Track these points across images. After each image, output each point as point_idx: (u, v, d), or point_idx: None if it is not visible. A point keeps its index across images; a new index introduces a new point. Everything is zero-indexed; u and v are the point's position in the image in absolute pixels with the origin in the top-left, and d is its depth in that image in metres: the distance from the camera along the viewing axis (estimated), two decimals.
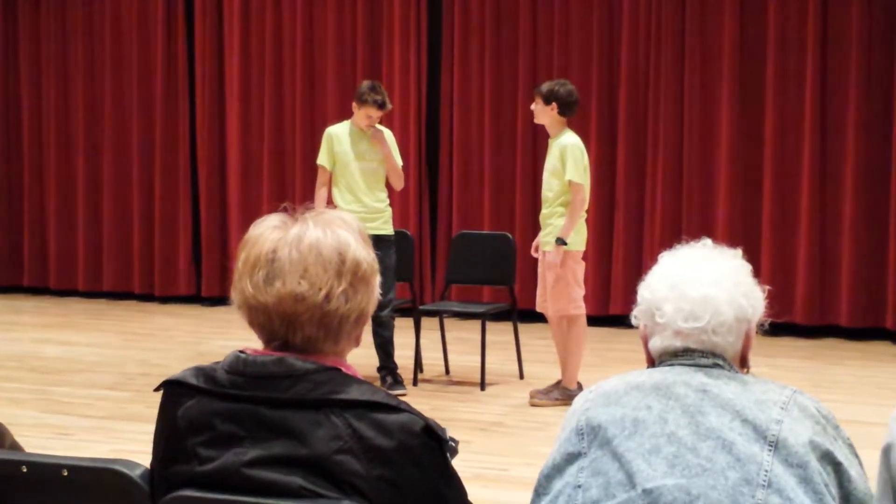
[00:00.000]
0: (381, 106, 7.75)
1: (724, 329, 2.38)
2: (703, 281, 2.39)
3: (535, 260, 7.70)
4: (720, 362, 2.38)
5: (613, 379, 2.44)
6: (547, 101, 7.44)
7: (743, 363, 2.45)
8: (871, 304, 9.90)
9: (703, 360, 2.38)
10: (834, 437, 2.30)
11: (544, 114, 7.48)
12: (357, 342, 2.27)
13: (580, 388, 7.37)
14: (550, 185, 7.48)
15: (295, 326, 2.16)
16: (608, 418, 2.33)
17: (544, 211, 7.54)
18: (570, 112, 7.51)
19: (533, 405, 7.50)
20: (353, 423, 2.07)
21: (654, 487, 2.21)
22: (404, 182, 8.25)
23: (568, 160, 7.35)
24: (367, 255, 2.21)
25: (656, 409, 2.30)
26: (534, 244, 7.68)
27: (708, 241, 2.52)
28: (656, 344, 2.43)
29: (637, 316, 2.48)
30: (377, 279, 2.25)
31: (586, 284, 10.18)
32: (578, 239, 7.48)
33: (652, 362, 2.47)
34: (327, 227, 2.19)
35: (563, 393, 7.47)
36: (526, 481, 2.49)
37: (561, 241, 7.35)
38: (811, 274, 9.98)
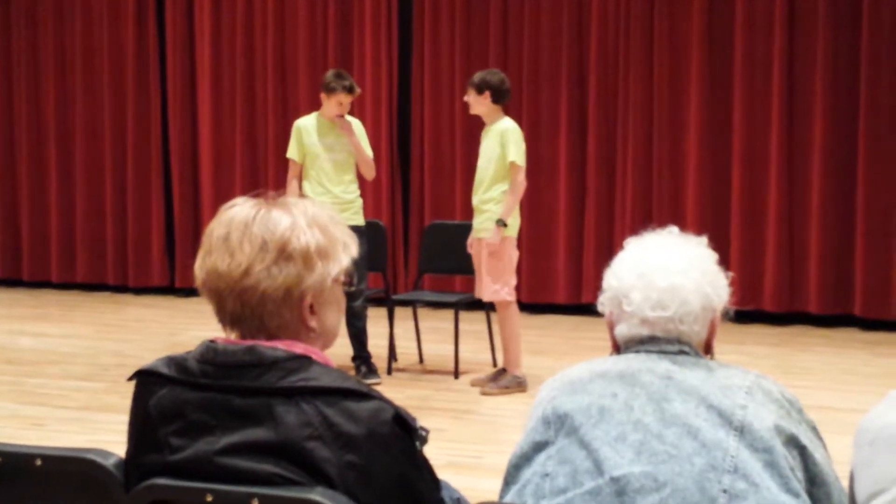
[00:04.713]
0: (349, 90, 7.74)
1: (690, 318, 2.40)
2: (670, 270, 2.41)
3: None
4: (686, 349, 2.40)
5: (578, 366, 2.45)
6: (480, 90, 7.52)
7: (707, 350, 2.48)
8: (839, 292, 9.95)
9: (669, 348, 2.40)
10: (798, 421, 2.32)
11: (479, 103, 7.56)
12: (311, 329, 2.22)
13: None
14: (487, 172, 7.51)
15: (221, 303, 2.21)
16: (574, 406, 2.34)
17: (481, 196, 7.55)
18: (503, 99, 7.58)
19: (484, 394, 7.53)
20: (324, 409, 2.08)
21: (621, 475, 2.23)
22: (376, 172, 8.26)
23: (509, 143, 7.42)
24: (302, 235, 2.19)
25: (622, 397, 2.32)
26: (468, 242, 7.72)
27: (674, 229, 2.54)
28: (622, 331, 2.45)
29: (603, 303, 2.50)
30: (329, 263, 2.21)
31: (559, 272, 10.30)
32: (513, 224, 7.53)
33: (617, 348, 2.48)
34: (268, 208, 2.22)
35: (512, 380, 7.53)
36: (498, 469, 2.52)
37: (501, 223, 7.42)
38: (780, 261, 10.03)
